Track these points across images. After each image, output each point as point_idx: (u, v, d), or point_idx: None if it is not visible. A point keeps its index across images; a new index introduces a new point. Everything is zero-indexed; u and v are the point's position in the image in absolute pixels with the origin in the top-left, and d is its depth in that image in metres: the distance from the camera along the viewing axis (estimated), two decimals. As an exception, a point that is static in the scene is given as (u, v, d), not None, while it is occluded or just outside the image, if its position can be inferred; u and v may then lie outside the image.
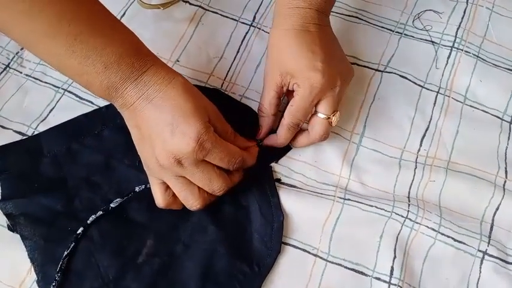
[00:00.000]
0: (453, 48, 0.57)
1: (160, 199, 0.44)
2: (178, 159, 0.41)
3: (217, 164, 0.43)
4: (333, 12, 0.59)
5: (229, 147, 0.43)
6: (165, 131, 0.41)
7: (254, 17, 0.59)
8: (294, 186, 0.49)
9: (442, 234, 0.47)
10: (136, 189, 0.47)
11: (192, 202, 0.44)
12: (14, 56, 0.55)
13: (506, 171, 0.51)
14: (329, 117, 0.47)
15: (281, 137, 0.48)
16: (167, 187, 0.44)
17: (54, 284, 0.43)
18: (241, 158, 0.44)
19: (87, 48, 0.39)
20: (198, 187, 0.43)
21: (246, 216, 0.47)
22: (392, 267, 0.45)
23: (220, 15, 0.59)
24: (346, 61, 0.50)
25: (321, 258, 0.46)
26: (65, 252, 0.44)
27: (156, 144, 0.41)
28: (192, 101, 0.42)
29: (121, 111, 0.43)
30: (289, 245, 0.46)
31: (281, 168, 0.50)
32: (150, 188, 0.46)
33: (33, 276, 0.44)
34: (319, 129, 0.48)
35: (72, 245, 0.44)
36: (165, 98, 0.41)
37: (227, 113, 0.46)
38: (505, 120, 0.54)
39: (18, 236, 0.45)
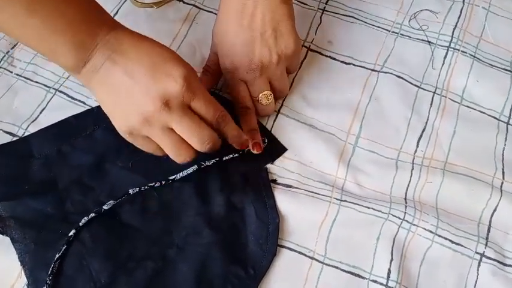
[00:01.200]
0: (449, 48, 0.57)
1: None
2: (166, 101, 0.39)
3: (203, 113, 0.42)
4: (329, 11, 0.59)
5: (213, 99, 0.43)
6: (147, 76, 0.39)
7: (249, 16, 0.58)
8: (290, 186, 0.48)
9: (439, 236, 0.46)
10: (130, 191, 0.46)
11: (184, 152, 0.42)
12: (5, 56, 0.54)
13: (503, 172, 0.51)
14: (257, 98, 0.49)
15: (243, 123, 0.49)
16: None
17: (45, 287, 0.42)
18: (225, 113, 0.44)
19: (48, 7, 0.37)
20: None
21: (241, 219, 0.46)
22: (389, 270, 0.45)
23: (215, 14, 0.58)
24: (281, 37, 0.48)
25: (317, 260, 0.45)
26: (57, 255, 0.43)
27: (138, 95, 0.39)
28: (170, 50, 0.41)
29: (89, 81, 0.41)
30: (285, 247, 0.46)
31: (277, 169, 0.49)
32: (143, 191, 0.46)
33: (23, 280, 0.43)
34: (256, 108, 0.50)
35: (63, 247, 0.43)
36: (140, 51, 0.40)
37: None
38: (502, 121, 0.54)
39: (7, 240, 0.44)
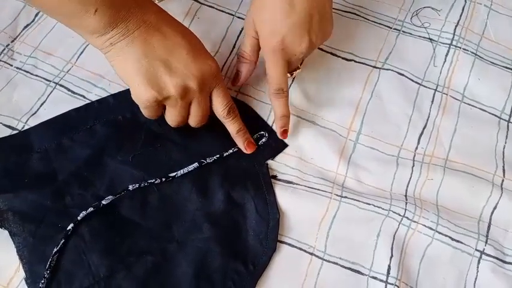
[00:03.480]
0: (451, 46, 0.57)
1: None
2: (203, 81, 0.43)
3: (219, 100, 0.46)
4: (330, 7, 0.59)
5: (228, 91, 0.47)
6: (189, 56, 0.43)
7: (250, 12, 0.58)
8: (291, 182, 0.48)
9: (440, 233, 0.46)
10: (130, 187, 0.45)
11: (181, 123, 0.46)
12: (4, 49, 0.54)
13: (504, 170, 0.51)
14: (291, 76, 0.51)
15: (277, 107, 0.49)
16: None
17: (43, 281, 0.42)
18: (235, 106, 0.47)
19: None
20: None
21: (242, 214, 0.46)
22: (389, 266, 0.45)
23: (216, 9, 0.58)
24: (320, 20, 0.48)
25: (317, 256, 0.45)
26: (55, 249, 0.43)
27: (181, 72, 0.42)
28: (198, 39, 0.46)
29: (115, 44, 0.41)
30: (285, 243, 0.45)
31: (277, 165, 0.49)
32: (143, 187, 0.46)
33: (21, 274, 0.43)
34: None
35: (62, 241, 0.43)
36: (174, 29, 0.43)
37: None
38: (502, 119, 0.54)
39: (5, 233, 0.44)
